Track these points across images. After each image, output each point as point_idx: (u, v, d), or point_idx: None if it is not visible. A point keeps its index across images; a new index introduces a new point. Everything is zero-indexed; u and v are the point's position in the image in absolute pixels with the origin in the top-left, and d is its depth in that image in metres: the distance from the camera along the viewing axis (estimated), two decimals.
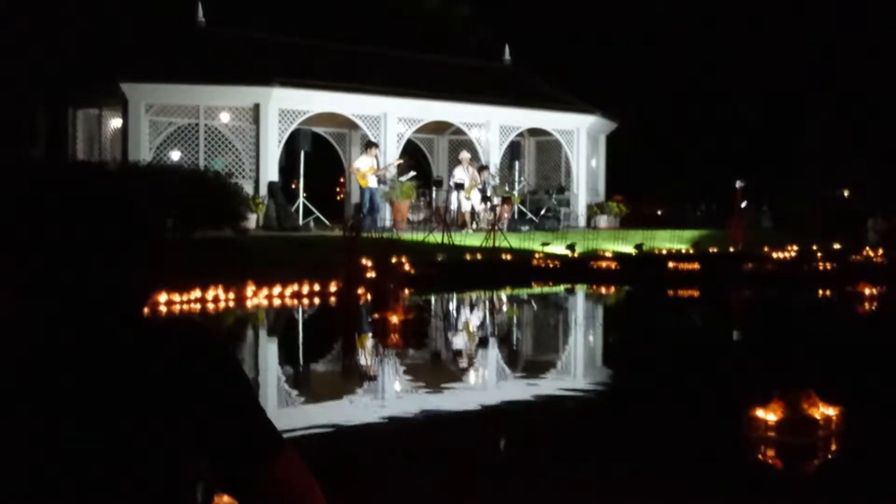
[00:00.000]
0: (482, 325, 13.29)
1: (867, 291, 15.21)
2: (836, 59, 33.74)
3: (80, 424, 1.37)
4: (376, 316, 11.56)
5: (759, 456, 5.96)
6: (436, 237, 19.64)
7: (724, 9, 35.27)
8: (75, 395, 1.38)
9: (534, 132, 27.13)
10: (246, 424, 1.48)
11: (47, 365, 1.39)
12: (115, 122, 22.25)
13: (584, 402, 8.02)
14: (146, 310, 1.50)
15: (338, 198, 30.49)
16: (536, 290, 17.31)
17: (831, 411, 6.15)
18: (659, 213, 32.49)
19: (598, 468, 5.74)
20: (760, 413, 6.09)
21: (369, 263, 14.74)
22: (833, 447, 6.10)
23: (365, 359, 10.30)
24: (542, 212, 25.85)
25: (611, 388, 8.76)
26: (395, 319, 11.03)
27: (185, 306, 12.42)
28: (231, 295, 13.22)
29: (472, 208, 23.47)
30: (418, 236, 19.68)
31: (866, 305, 14.91)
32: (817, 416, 6.10)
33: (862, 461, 5.88)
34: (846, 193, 35.56)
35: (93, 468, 1.37)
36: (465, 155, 23.98)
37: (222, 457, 1.47)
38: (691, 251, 21.08)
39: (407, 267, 15.64)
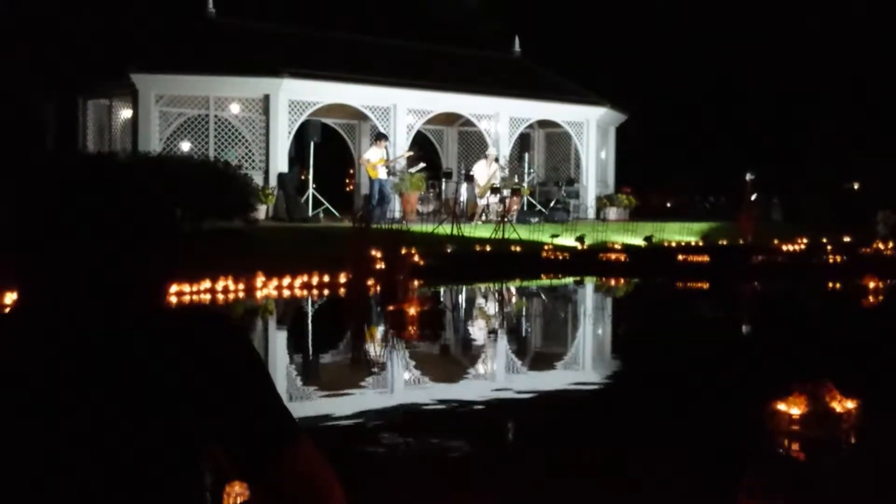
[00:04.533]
0: (493, 317, 13.29)
1: (876, 284, 15.17)
2: (848, 50, 33.59)
3: (98, 409, 1.39)
4: (390, 308, 11.54)
5: (789, 450, 5.93)
6: (445, 229, 19.63)
7: (735, 1, 35.15)
8: (94, 381, 1.40)
9: (543, 124, 27.09)
10: (262, 411, 1.49)
11: (67, 352, 1.41)
12: (126, 113, 22.29)
13: (599, 395, 8.01)
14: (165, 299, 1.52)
15: (347, 189, 30.48)
16: (546, 282, 17.31)
17: (850, 404, 6.12)
18: (668, 205, 32.45)
19: (616, 461, 5.72)
20: (783, 406, 6.06)
21: (379, 255, 14.74)
22: (858, 440, 6.05)
23: (375, 350, 10.32)
24: (552, 204, 25.81)
25: (624, 381, 8.74)
26: (405, 311, 11.03)
27: (196, 297, 12.45)
28: (241, 286, 13.25)
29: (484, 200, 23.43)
30: (428, 228, 19.67)
31: (876, 298, 14.86)
32: (839, 410, 6.07)
33: (891, 454, 5.80)
34: (856, 186, 35.44)
35: (108, 452, 1.39)
36: (492, 152, 23.88)
37: (238, 443, 1.48)
38: (701, 243, 21.05)
39: (416, 258, 15.64)
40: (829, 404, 6.05)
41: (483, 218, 22.97)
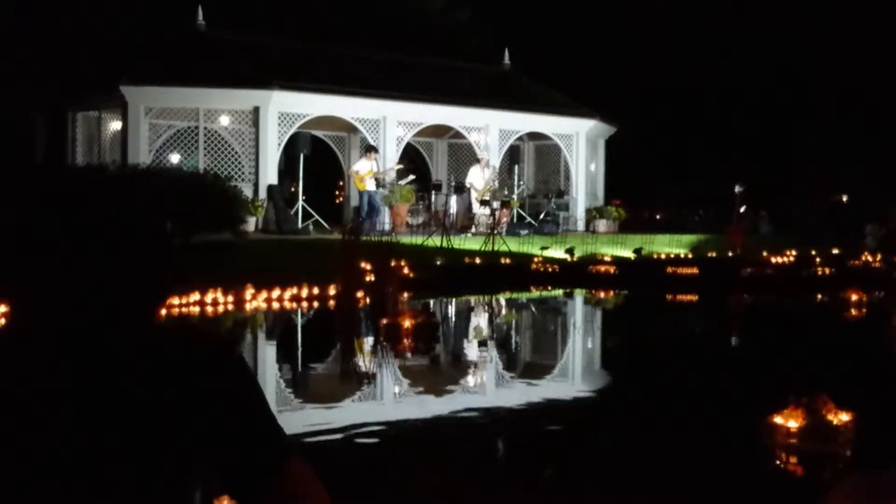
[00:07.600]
0: (483, 330, 13.29)
1: (864, 297, 15.22)
2: (836, 62, 33.74)
3: (87, 427, 1.38)
4: (380, 320, 11.51)
5: (789, 464, 5.91)
6: (435, 241, 19.63)
7: (724, 12, 35.30)
8: (84, 399, 1.39)
9: (533, 136, 27.14)
10: (253, 430, 1.49)
11: (56, 370, 1.40)
12: (115, 125, 22.26)
13: (591, 409, 7.99)
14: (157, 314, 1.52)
15: (337, 201, 30.46)
16: (535, 294, 17.31)
17: (845, 417, 6.11)
18: (658, 217, 32.52)
19: (610, 476, 5.68)
20: (780, 420, 6.05)
21: (368, 267, 14.72)
22: (856, 453, 6.03)
23: (365, 363, 10.30)
24: (541, 216, 25.84)
25: (617, 395, 8.72)
26: (395, 323, 11.01)
27: (185, 310, 12.42)
28: (230, 298, 13.22)
29: (468, 211, 23.44)
30: (417, 240, 19.67)
31: (863, 311, 14.91)
32: (836, 422, 6.06)
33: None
34: (845, 198, 35.56)
35: (97, 470, 1.38)
36: (483, 155, 24.00)
37: (229, 462, 1.48)
38: (690, 256, 21.08)
39: (406, 270, 15.64)
40: (826, 417, 6.03)
41: (473, 230, 22.98)
